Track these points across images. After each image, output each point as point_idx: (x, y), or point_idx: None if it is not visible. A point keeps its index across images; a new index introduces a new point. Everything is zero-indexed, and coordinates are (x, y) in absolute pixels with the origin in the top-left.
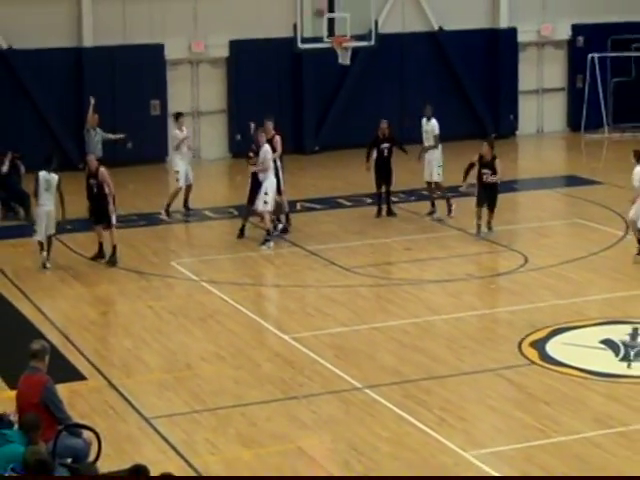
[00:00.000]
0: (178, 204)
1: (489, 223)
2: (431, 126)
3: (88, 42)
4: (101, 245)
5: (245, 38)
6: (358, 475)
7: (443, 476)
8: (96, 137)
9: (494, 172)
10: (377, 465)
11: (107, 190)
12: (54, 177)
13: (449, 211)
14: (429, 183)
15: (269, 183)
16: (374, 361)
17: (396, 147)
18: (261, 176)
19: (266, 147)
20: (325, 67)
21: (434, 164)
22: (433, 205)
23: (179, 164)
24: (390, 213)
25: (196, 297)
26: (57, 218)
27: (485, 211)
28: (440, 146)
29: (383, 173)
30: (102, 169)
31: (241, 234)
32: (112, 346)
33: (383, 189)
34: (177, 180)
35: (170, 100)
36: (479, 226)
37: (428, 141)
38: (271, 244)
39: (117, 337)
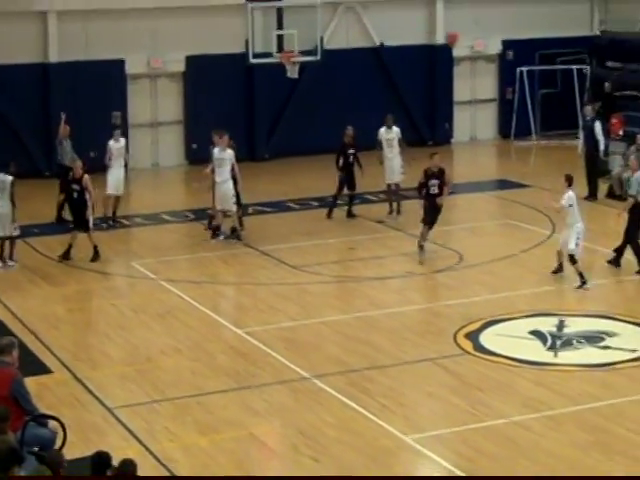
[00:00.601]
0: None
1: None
2: (395, 133)
3: (54, 58)
4: (70, 247)
5: (200, 54)
6: (307, 456)
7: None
8: (67, 147)
9: (442, 183)
10: (324, 449)
11: (87, 196)
12: (8, 178)
13: (399, 211)
14: (389, 185)
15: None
16: (321, 352)
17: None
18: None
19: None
20: (275, 80)
21: (396, 167)
22: (391, 206)
23: (113, 174)
24: (350, 215)
25: (156, 295)
26: (14, 219)
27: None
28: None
29: (348, 177)
30: (86, 176)
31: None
32: (78, 342)
33: (345, 192)
34: (107, 188)
35: (130, 112)
36: (422, 247)
37: (390, 147)
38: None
39: (82, 333)
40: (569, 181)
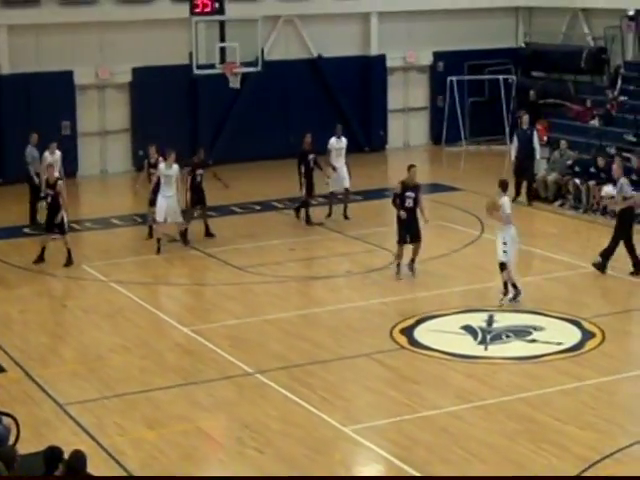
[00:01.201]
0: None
1: (412, 261)
2: (344, 142)
3: (5, 70)
4: (43, 250)
5: (146, 65)
6: (252, 448)
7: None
8: (34, 153)
9: (417, 196)
10: (268, 441)
11: (61, 201)
12: None
13: (346, 216)
14: (334, 192)
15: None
16: (264, 349)
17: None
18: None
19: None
20: (218, 90)
21: (345, 175)
22: (331, 209)
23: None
24: (309, 222)
25: (105, 296)
26: None
27: (408, 247)
28: None
29: (308, 182)
30: (60, 182)
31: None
32: (30, 341)
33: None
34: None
35: (79, 121)
36: (399, 265)
37: (339, 156)
38: None
39: (35, 333)
40: (504, 187)
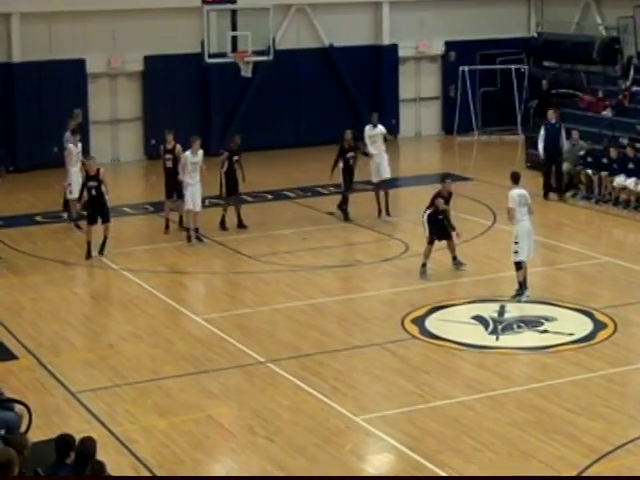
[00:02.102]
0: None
1: (455, 258)
2: (379, 130)
3: (17, 58)
4: (90, 243)
5: (158, 54)
6: (263, 437)
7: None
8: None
9: (448, 205)
10: (278, 430)
11: (104, 190)
12: None
13: (388, 211)
14: (376, 183)
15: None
16: (275, 338)
17: (359, 154)
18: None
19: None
20: (229, 79)
21: (385, 163)
22: (380, 205)
23: (73, 177)
24: (347, 218)
25: (116, 284)
26: None
27: (443, 244)
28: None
29: (349, 179)
30: (102, 170)
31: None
32: (41, 329)
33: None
34: (70, 192)
35: (91, 110)
36: (425, 265)
37: (375, 145)
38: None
39: (46, 321)
40: (514, 179)
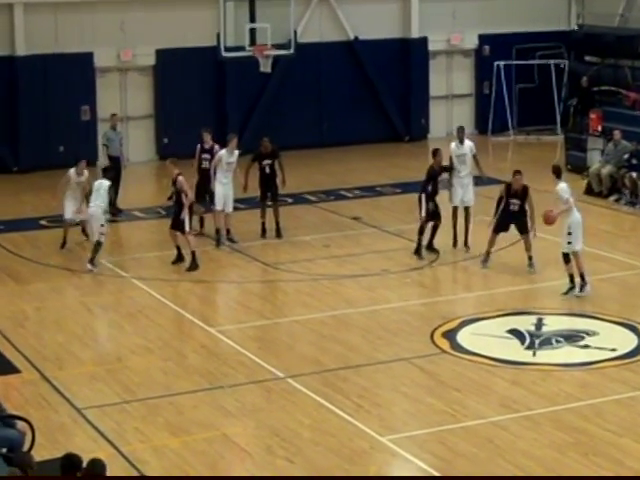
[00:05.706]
0: None
1: (530, 258)
2: (467, 148)
3: (21, 51)
4: (179, 248)
5: (171, 47)
6: (282, 457)
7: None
8: (119, 135)
9: (523, 203)
10: (298, 450)
11: (184, 199)
12: None
13: (467, 245)
14: (465, 208)
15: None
16: (294, 352)
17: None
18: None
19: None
20: (247, 74)
21: (470, 188)
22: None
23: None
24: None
25: (125, 293)
26: None
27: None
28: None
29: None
30: (180, 178)
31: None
32: (45, 340)
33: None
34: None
35: (99, 106)
36: (489, 254)
37: (462, 164)
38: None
39: (50, 332)
40: (557, 173)
